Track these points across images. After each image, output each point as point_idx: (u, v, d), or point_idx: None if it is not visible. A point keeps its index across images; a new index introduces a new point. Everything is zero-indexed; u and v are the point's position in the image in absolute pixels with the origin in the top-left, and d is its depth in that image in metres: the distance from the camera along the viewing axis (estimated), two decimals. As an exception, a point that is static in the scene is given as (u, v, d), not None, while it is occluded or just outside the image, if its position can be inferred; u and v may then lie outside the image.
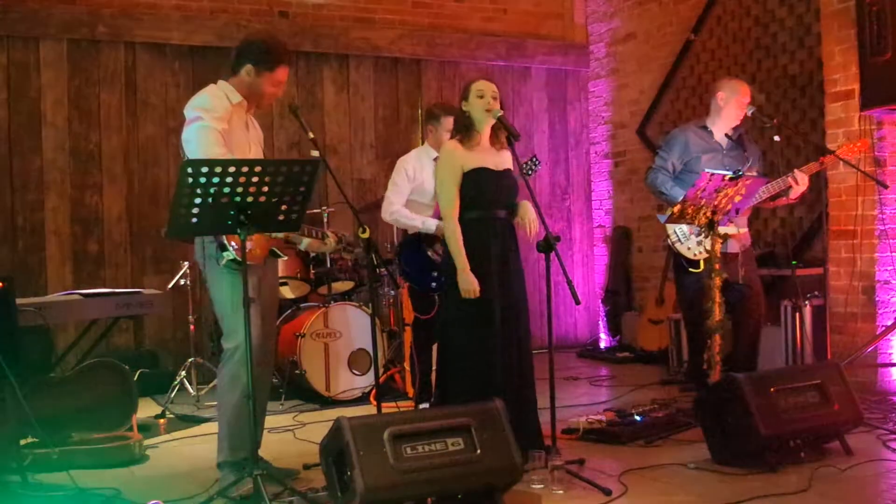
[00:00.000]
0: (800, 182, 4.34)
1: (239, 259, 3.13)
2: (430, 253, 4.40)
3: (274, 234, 3.38)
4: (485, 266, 3.52)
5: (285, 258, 3.60)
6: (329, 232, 3.64)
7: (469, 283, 3.46)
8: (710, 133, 4.56)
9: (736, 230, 4.42)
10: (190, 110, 3.30)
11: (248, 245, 3.18)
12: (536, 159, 4.98)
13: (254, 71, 3.37)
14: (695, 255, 4.44)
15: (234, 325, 3.26)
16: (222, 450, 3.31)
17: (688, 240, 4.46)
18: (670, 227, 4.47)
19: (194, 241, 3.41)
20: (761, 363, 5.14)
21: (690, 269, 4.45)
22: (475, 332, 3.51)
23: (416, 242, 4.47)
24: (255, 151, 3.49)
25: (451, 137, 3.70)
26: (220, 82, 3.44)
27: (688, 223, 4.14)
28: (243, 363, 3.11)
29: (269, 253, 3.44)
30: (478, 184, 3.54)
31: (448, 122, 4.38)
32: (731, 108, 4.49)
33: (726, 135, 4.59)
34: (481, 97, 3.56)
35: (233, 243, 3.20)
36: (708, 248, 4.23)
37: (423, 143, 4.89)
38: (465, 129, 3.61)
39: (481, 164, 3.55)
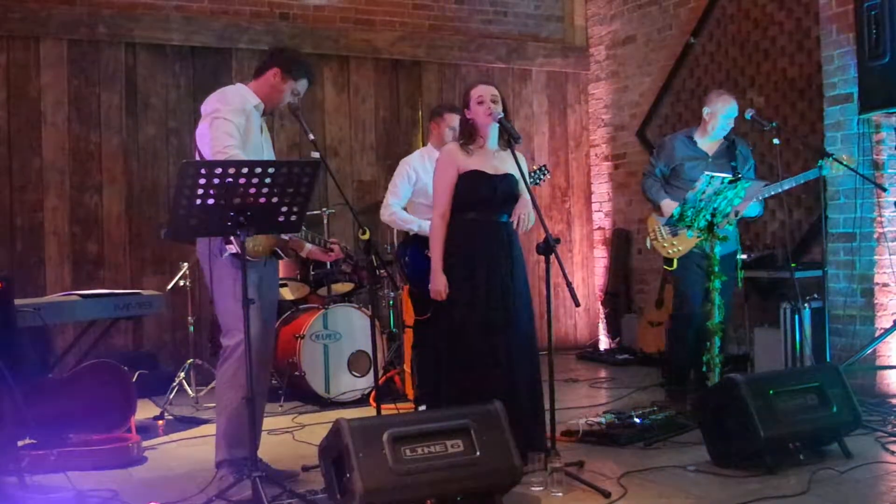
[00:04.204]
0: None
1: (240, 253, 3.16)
2: (428, 253, 4.40)
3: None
4: (471, 267, 3.54)
5: (285, 258, 3.61)
6: (332, 244, 3.64)
7: (437, 284, 3.54)
8: (695, 142, 4.69)
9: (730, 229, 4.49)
10: (207, 105, 3.34)
11: (251, 243, 3.19)
12: (546, 169, 4.98)
13: (279, 75, 3.45)
14: (669, 254, 4.60)
15: (234, 322, 3.26)
16: (220, 448, 3.32)
17: (664, 238, 4.60)
18: (651, 226, 4.66)
19: (196, 239, 3.41)
20: (760, 365, 5.15)
21: (665, 267, 4.64)
22: (460, 333, 3.53)
23: (416, 243, 4.47)
24: (268, 154, 3.52)
25: (458, 140, 3.71)
26: (239, 84, 3.49)
27: (687, 225, 4.18)
28: (239, 366, 3.12)
29: (270, 252, 3.44)
30: (472, 186, 3.57)
31: (451, 118, 4.40)
32: (715, 122, 4.60)
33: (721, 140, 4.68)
34: (481, 103, 3.58)
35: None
36: (682, 247, 4.50)
37: (424, 145, 4.90)
38: (468, 135, 3.65)
39: (477, 167, 3.58)
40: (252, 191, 2.97)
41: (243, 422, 3.14)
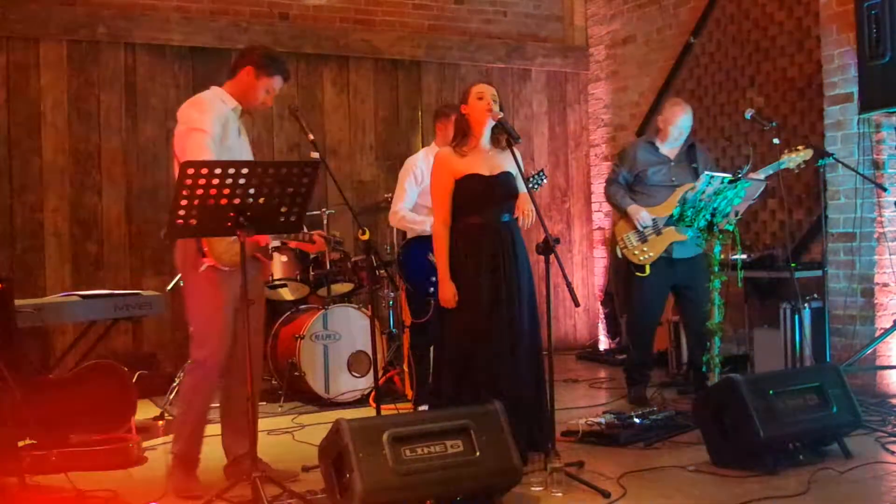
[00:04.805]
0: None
1: (218, 266, 3.19)
2: (430, 257, 4.40)
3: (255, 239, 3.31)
4: (476, 271, 3.53)
5: (268, 261, 3.56)
6: (315, 235, 3.62)
7: (446, 293, 3.52)
8: (657, 148, 4.81)
9: (679, 234, 4.63)
10: (183, 113, 3.34)
11: (223, 252, 3.18)
12: (543, 173, 5.00)
13: (253, 73, 3.42)
14: (640, 260, 4.69)
15: (205, 335, 3.31)
16: (176, 443, 3.39)
17: (634, 246, 4.70)
18: (619, 235, 4.78)
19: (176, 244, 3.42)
20: (760, 365, 5.16)
21: (637, 274, 4.72)
22: (466, 336, 3.53)
23: (418, 245, 4.47)
24: (246, 157, 3.50)
25: (450, 142, 3.71)
26: (214, 88, 3.48)
27: (687, 226, 4.21)
28: (207, 377, 3.27)
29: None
30: (469, 190, 3.57)
31: None
32: (667, 132, 4.77)
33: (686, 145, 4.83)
34: (481, 99, 3.58)
35: (214, 246, 3.20)
36: (652, 253, 4.65)
37: (424, 146, 4.90)
38: (461, 135, 3.63)
39: (472, 170, 3.58)
40: (252, 191, 2.97)
41: (192, 431, 3.34)
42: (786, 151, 4.39)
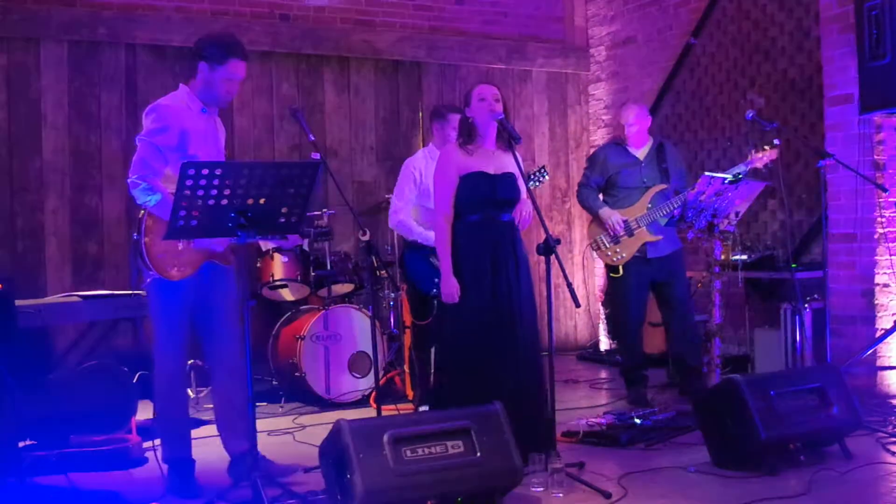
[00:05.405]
0: None
1: (165, 278, 3.19)
2: (431, 258, 4.40)
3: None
4: (478, 269, 3.53)
5: (228, 265, 3.49)
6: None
7: (449, 287, 3.53)
8: (626, 149, 4.86)
9: (651, 235, 4.68)
10: (145, 116, 3.33)
11: (169, 262, 3.18)
12: (545, 170, 5.01)
13: (206, 68, 3.35)
14: (613, 261, 4.75)
15: (159, 343, 3.34)
16: (164, 449, 3.45)
17: (607, 248, 4.76)
18: (591, 236, 4.85)
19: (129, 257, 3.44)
20: (761, 366, 5.16)
21: (612, 275, 4.80)
22: (468, 335, 3.53)
23: (420, 246, 4.47)
24: (215, 156, 3.47)
25: (456, 140, 3.73)
26: (182, 87, 3.44)
27: (688, 226, 4.23)
28: (171, 383, 3.34)
29: (196, 268, 3.36)
30: (473, 188, 3.57)
31: (455, 119, 4.39)
32: (626, 130, 4.82)
33: (652, 145, 4.86)
34: (482, 101, 3.59)
35: (156, 258, 3.20)
36: (625, 254, 4.70)
37: (423, 146, 4.89)
38: (467, 135, 3.64)
39: (478, 168, 3.58)
40: (252, 192, 2.98)
41: (176, 436, 3.40)
42: (753, 151, 4.41)
